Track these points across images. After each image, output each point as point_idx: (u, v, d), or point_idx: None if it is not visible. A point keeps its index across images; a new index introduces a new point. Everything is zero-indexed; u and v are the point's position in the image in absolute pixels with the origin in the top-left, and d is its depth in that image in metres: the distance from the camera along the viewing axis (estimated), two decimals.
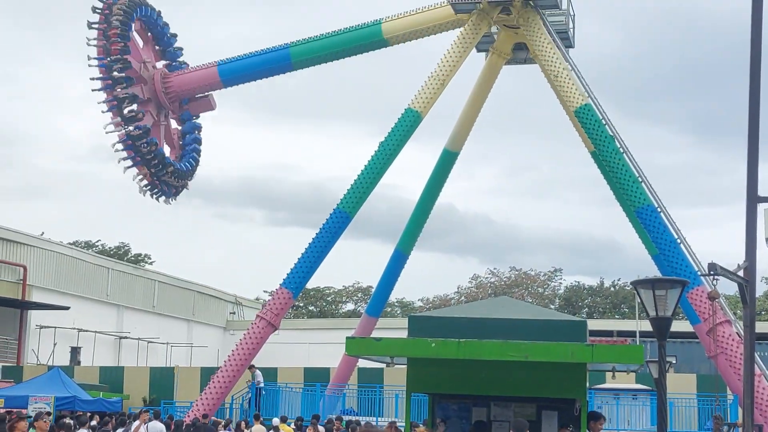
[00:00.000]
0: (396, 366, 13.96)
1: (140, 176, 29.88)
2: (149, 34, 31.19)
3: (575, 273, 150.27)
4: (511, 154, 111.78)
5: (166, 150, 31.01)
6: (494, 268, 78.82)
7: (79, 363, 43.50)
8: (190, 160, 31.72)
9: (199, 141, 32.19)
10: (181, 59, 31.64)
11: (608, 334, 51.21)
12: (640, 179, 26.50)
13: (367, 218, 75.55)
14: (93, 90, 29.13)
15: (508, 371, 12.34)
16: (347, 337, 12.73)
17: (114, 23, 28.83)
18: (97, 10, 29.31)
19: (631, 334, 47.16)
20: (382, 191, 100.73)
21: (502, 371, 12.36)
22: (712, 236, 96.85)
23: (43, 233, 49.07)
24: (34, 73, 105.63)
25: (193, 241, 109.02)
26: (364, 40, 29.40)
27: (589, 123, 26.84)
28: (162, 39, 31.43)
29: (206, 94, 31.59)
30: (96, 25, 29.21)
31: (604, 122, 26.95)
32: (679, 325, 40.36)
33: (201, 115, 32.43)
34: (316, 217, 30.26)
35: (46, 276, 45.73)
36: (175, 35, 31.70)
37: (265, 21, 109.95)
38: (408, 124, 27.62)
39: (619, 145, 26.75)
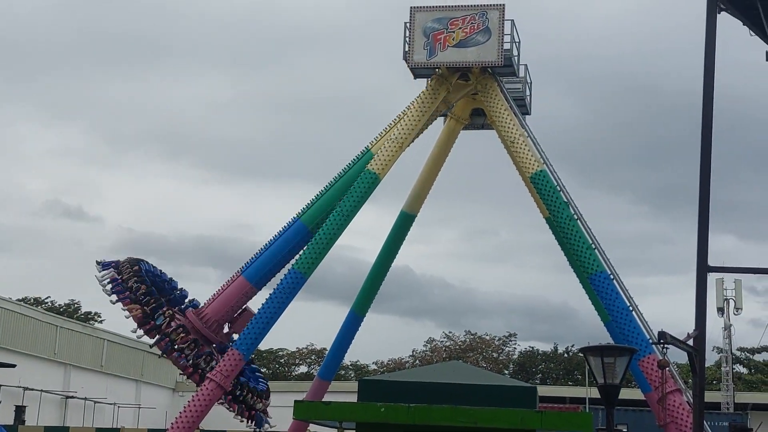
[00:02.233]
0: (346, 431, 13.77)
1: (221, 401, 27.57)
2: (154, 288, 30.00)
3: (530, 338, 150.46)
4: (468, 218, 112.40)
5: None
6: (449, 332, 78.62)
7: (23, 422, 42.33)
8: (261, 379, 31.09)
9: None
10: (187, 299, 30.45)
11: (561, 400, 51.13)
12: (593, 246, 26.68)
13: (323, 279, 75.17)
14: (137, 336, 29.15)
15: None
16: (295, 401, 12.60)
17: (126, 273, 28.82)
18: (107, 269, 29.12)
19: (584, 401, 47.12)
20: (338, 252, 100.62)
21: None
22: (665, 305, 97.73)
23: None
24: None
25: None
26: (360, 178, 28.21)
27: (544, 189, 27.08)
28: (165, 288, 30.27)
29: (244, 308, 29.71)
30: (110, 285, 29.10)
31: (559, 189, 27.19)
32: (631, 393, 40.43)
33: None
34: (272, 278, 29.68)
35: None
36: (173, 280, 30.74)
37: (232, 84, 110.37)
38: (366, 186, 27.67)
39: (573, 212, 26.95)
